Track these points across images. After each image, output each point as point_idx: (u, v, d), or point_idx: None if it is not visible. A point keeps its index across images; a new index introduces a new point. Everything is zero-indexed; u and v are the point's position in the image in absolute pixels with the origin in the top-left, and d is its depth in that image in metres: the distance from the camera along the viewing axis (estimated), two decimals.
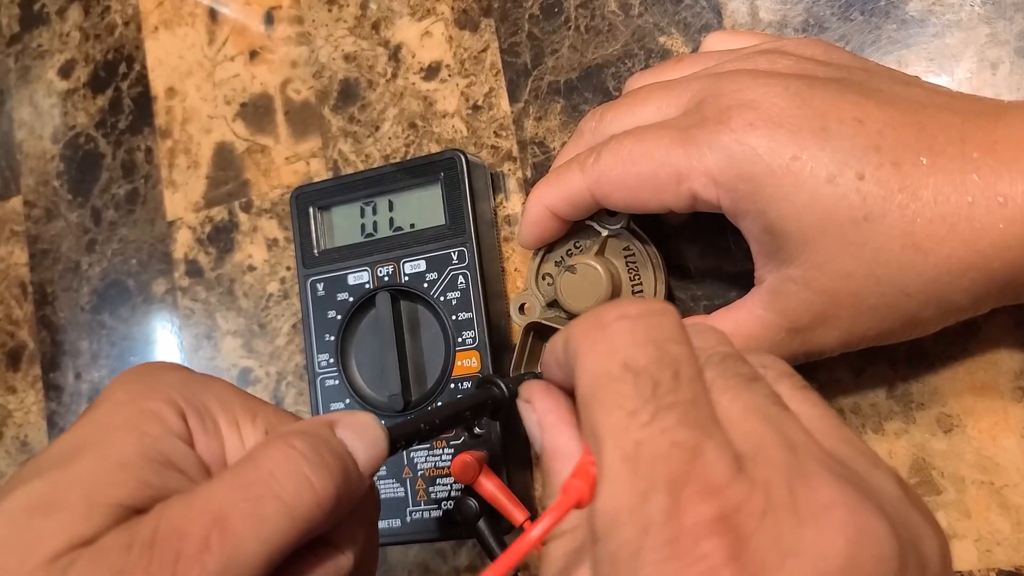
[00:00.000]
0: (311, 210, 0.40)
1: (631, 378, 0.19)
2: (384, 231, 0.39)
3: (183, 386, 0.25)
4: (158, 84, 0.48)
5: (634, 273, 0.34)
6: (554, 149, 0.39)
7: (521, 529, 0.33)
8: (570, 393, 0.23)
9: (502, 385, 0.27)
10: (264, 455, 0.23)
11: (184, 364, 0.46)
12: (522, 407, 0.24)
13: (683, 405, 0.19)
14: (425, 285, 0.37)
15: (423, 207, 0.38)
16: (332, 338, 0.39)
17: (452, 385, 0.37)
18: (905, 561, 0.17)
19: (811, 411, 0.21)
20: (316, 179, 0.44)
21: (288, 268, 0.44)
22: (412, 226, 0.38)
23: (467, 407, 0.27)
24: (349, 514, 0.24)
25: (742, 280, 0.34)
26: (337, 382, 0.39)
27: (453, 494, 0.36)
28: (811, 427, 0.20)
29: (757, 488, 0.18)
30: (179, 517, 0.21)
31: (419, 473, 0.37)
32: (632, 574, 0.17)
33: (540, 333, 0.35)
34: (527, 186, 0.39)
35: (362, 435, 0.24)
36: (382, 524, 0.37)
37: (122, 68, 0.49)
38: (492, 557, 0.34)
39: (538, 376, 0.25)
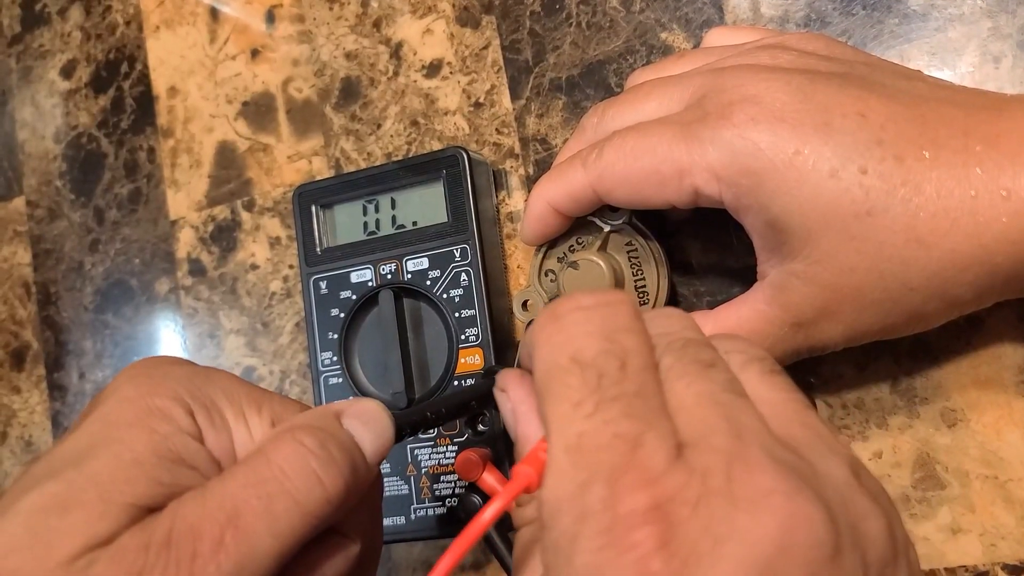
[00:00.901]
0: (313, 208, 0.40)
1: (578, 370, 0.20)
2: (387, 229, 0.39)
3: (188, 381, 0.25)
4: (160, 83, 0.48)
5: (636, 268, 0.34)
6: (556, 146, 0.39)
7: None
8: None
9: None
10: (274, 451, 0.23)
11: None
12: (498, 396, 0.24)
13: (627, 397, 0.19)
14: (428, 282, 0.37)
15: (425, 204, 0.38)
16: (335, 336, 0.39)
17: (455, 382, 0.37)
18: (840, 545, 0.18)
19: (774, 396, 0.21)
20: (318, 177, 0.44)
21: (291, 266, 0.44)
22: (414, 224, 0.38)
23: (473, 397, 0.27)
24: (356, 502, 0.24)
25: (745, 275, 0.34)
26: (340, 380, 0.39)
27: (457, 491, 0.37)
28: (769, 412, 0.20)
29: (694, 476, 0.18)
30: (193, 516, 0.21)
31: (423, 471, 0.37)
32: (568, 561, 0.18)
33: None
34: (529, 183, 0.39)
35: (369, 424, 0.25)
36: (387, 522, 0.37)
37: (124, 68, 0.49)
38: (496, 554, 0.34)
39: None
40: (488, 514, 0.20)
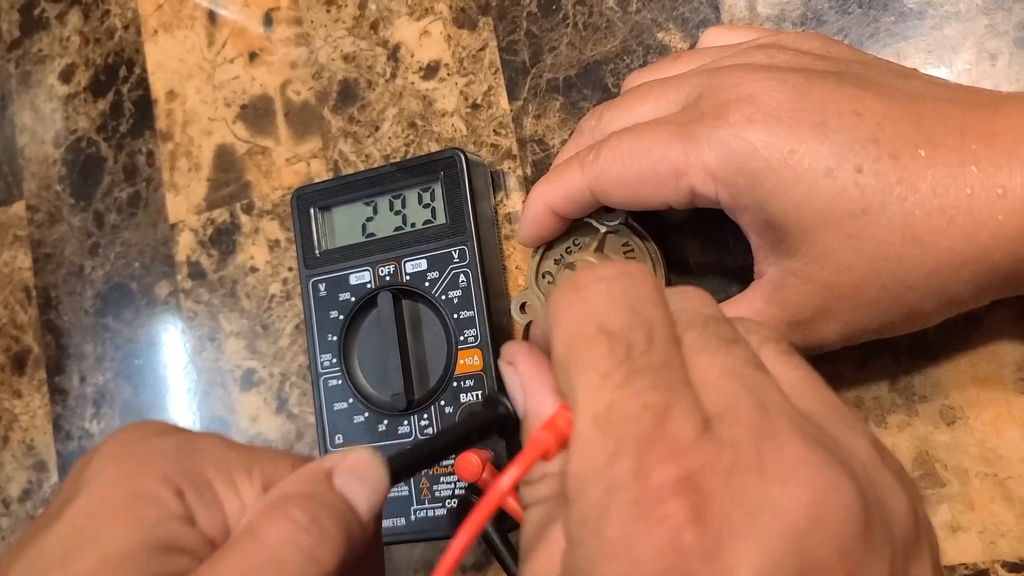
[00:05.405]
0: (312, 211, 0.40)
1: (605, 340, 0.19)
2: (385, 230, 0.39)
3: (176, 455, 0.24)
4: (158, 87, 0.48)
5: None
6: (553, 147, 0.39)
7: None
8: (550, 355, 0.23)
9: (508, 404, 0.27)
10: (265, 530, 0.22)
11: (188, 366, 0.46)
12: (504, 369, 0.24)
13: (655, 368, 0.19)
14: (426, 284, 0.37)
15: (423, 206, 0.38)
16: (334, 338, 0.39)
17: (455, 383, 0.37)
18: (869, 518, 0.18)
19: (791, 374, 0.21)
20: (317, 180, 0.44)
21: (290, 269, 0.44)
22: (413, 225, 0.38)
23: (473, 428, 0.26)
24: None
25: (742, 275, 0.34)
26: (340, 382, 0.39)
27: (457, 492, 0.37)
28: (789, 389, 0.20)
29: (724, 448, 0.18)
30: None
31: (423, 472, 0.37)
32: (598, 533, 0.18)
33: None
34: (527, 184, 0.39)
35: (362, 479, 0.24)
36: (387, 523, 0.37)
37: (122, 72, 0.50)
38: (497, 555, 0.34)
39: None
40: (506, 481, 0.19)
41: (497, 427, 0.26)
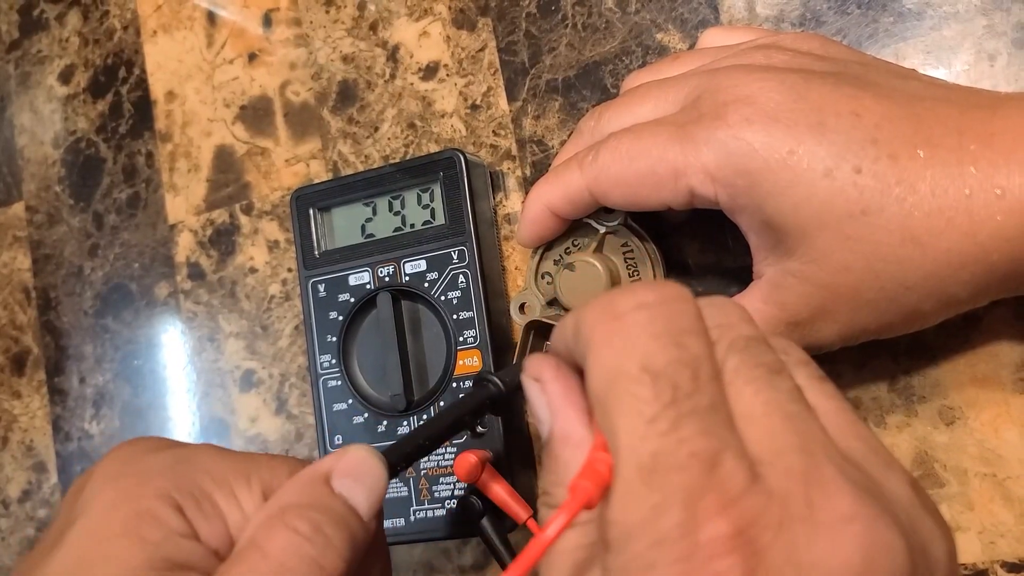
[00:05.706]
0: (311, 211, 0.40)
1: (649, 380, 0.18)
2: (384, 231, 0.39)
3: (172, 471, 0.24)
4: (158, 88, 0.48)
5: (633, 269, 0.34)
6: (553, 147, 0.39)
7: (525, 527, 0.33)
8: (577, 370, 0.22)
9: (499, 382, 0.27)
10: (269, 543, 0.22)
11: (188, 367, 0.46)
12: (529, 385, 0.23)
13: (702, 411, 0.18)
14: (426, 285, 0.37)
15: (423, 207, 0.38)
16: (334, 339, 0.39)
17: (454, 384, 0.37)
18: (916, 570, 0.18)
19: (827, 404, 0.20)
20: (316, 180, 0.44)
21: (289, 270, 0.44)
22: (412, 226, 0.38)
23: (466, 411, 0.26)
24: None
25: (741, 275, 0.34)
26: (339, 383, 0.39)
27: (456, 493, 0.37)
28: (827, 423, 0.20)
29: (774, 499, 0.17)
30: None
31: (422, 472, 0.37)
32: None
33: (541, 331, 0.35)
34: (526, 184, 0.39)
35: (361, 478, 0.24)
36: (386, 524, 0.37)
37: (122, 72, 0.50)
38: (496, 555, 0.34)
39: None
40: (550, 533, 0.19)
41: (490, 407, 0.26)
